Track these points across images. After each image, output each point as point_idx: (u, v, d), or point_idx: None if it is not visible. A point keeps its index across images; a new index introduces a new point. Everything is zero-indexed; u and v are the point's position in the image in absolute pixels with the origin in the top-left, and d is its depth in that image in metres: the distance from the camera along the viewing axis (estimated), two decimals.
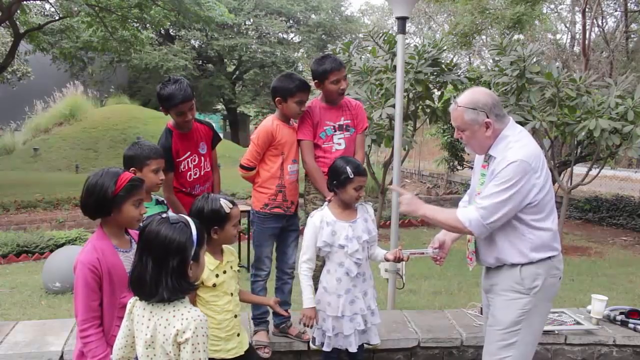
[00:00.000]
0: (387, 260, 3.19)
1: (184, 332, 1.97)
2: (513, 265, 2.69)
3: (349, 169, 3.05)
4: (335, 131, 3.69)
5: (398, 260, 3.12)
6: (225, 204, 2.69)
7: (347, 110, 3.75)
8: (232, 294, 2.80)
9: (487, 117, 2.66)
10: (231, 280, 2.81)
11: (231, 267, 2.83)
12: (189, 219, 2.10)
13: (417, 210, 2.86)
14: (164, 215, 2.09)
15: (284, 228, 3.68)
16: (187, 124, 3.48)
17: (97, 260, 2.34)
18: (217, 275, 2.74)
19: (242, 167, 3.68)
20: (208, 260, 2.71)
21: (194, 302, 2.75)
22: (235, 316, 2.82)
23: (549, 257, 2.68)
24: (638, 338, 3.91)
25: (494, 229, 2.68)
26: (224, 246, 2.85)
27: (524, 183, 2.55)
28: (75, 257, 2.43)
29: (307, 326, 3.14)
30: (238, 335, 2.83)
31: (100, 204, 2.39)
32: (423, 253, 3.05)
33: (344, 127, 3.71)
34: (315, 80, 3.69)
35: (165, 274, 1.98)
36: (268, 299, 3.19)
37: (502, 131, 2.69)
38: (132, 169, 2.87)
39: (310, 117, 3.66)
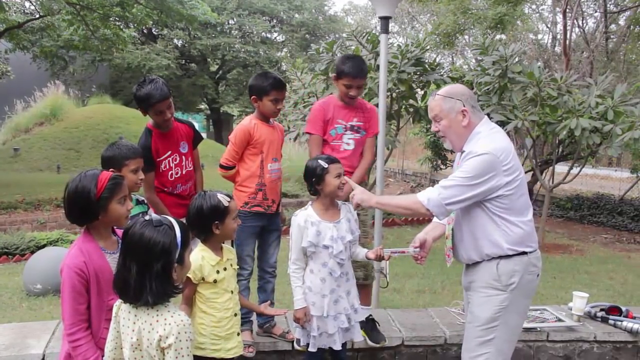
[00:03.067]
0: (368, 259, 3.20)
1: (167, 337, 1.95)
2: (490, 259, 2.72)
3: (321, 161, 3.07)
4: (345, 131, 3.68)
5: (379, 259, 3.13)
6: (223, 198, 2.72)
7: (361, 112, 3.74)
8: (232, 292, 2.81)
9: (464, 106, 2.73)
10: (231, 278, 2.82)
11: (231, 265, 2.84)
12: (172, 220, 2.08)
13: (370, 199, 2.93)
14: (147, 217, 2.06)
15: (265, 227, 3.68)
16: (166, 123, 3.47)
17: (84, 263, 2.31)
18: (217, 272, 2.74)
19: (221, 166, 3.68)
20: (209, 256, 2.74)
21: (192, 300, 2.75)
22: (235, 315, 2.81)
23: (525, 253, 2.72)
24: (618, 334, 3.97)
25: (465, 221, 2.76)
26: (223, 245, 2.86)
27: (491, 175, 2.59)
28: (60, 259, 2.40)
29: (302, 325, 3.15)
30: (238, 334, 2.83)
31: (85, 209, 2.35)
32: (404, 252, 3.06)
33: (356, 128, 3.71)
34: (334, 75, 3.69)
35: (149, 278, 1.96)
36: (258, 306, 3.18)
37: (476, 126, 2.74)
38: (110, 170, 2.85)
39: (322, 113, 3.67)
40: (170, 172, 3.52)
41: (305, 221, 3.08)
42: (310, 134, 3.68)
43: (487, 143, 2.64)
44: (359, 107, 3.75)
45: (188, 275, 2.64)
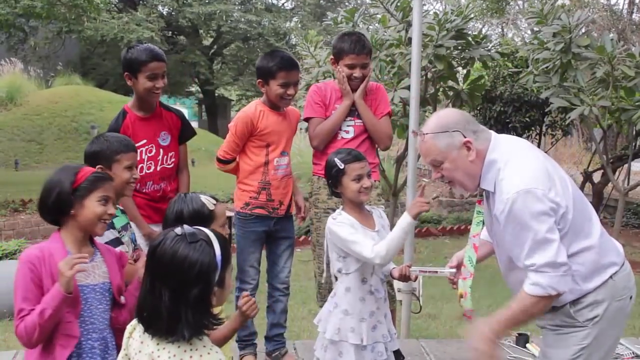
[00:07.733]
0: (392, 277, 3.20)
1: None
2: (563, 305, 2.58)
3: (337, 160, 3.03)
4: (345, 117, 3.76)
5: (405, 278, 3.12)
6: (207, 201, 2.74)
7: (365, 95, 3.81)
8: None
9: (465, 137, 2.59)
10: None
11: None
12: (209, 233, 2.02)
13: (487, 331, 2.60)
14: (179, 229, 1.99)
15: (271, 233, 3.71)
16: (154, 95, 3.53)
17: (38, 258, 2.40)
18: None
19: (218, 159, 3.74)
20: None
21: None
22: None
23: (610, 277, 2.58)
24: None
25: (512, 269, 2.63)
26: None
27: (542, 211, 2.44)
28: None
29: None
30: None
31: (57, 201, 2.45)
32: (437, 272, 3.04)
33: (356, 112, 3.77)
34: (332, 57, 3.82)
35: (185, 306, 1.90)
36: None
37: (486, 155, 2.61)
38: (98, 167, 2.88)
39: (319, 96, 3.77)
40: (140, 165, 3.52)
41: (350, 221, 3.01)
42: (310, 118, 3.77)
43: (512, 176, 2.50)
44: None
45: None
